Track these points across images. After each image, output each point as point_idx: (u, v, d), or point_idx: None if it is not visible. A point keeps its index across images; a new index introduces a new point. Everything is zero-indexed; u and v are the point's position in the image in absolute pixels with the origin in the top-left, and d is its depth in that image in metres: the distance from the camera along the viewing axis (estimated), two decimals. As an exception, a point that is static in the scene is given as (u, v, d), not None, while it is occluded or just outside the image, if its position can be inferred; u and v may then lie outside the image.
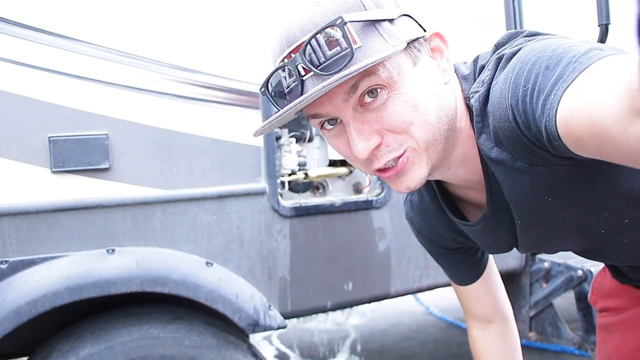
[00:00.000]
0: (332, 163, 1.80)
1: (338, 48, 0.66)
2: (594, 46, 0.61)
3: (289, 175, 1.71)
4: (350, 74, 0.64)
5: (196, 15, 1.56)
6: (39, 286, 1.36)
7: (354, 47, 0.66)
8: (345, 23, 0.65)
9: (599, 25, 1.86)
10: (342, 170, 1.80)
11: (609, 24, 1.83)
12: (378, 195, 1.81)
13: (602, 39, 1.85)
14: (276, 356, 3.30)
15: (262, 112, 1.62)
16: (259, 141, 1.63)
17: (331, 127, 0.76)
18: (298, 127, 1.74)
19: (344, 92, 0.70)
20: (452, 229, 0.99)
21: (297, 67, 0.69)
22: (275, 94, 0.74)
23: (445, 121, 0.75)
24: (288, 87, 0.71)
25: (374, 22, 0.69)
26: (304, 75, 0.69)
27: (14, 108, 1.38)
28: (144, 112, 1.50)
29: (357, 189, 1.85)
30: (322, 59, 0.67)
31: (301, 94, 0.69)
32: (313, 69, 0.67)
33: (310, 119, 0.76)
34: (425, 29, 0.75)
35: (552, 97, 0.59)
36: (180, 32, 1.54)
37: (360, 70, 0.64)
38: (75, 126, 1.43)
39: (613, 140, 0.51)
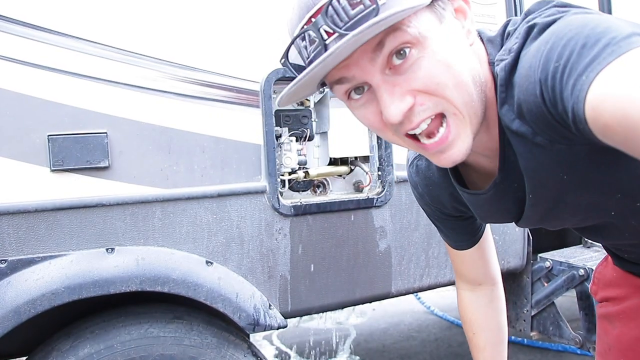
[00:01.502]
0: (333, 162, 1.79)
1: (362, 6, 0.64)
2: (636, 30, 0.58)
3: (289, 173, 1.70)
4: (378, 21, 0.61)
5: (195, 13, 1.55)
6: (38, 285, 1.35)
7: (380, 2, 0.63)
8: None
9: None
10: (343, 168, 1.79)
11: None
12: (379, 194, 1.80)
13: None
14: (276, 356, 3.29)
15: (262, 110, 1.61)
16: (259, 139, 1.62)
17: (358, 96, 0.73)
18: (298, 126, 1.73)
19: (370, 50, 0.67)
20: (455, 199, 0.98)
21: (319, 30, 0.66)
22: (295, 67, 0.71)
23: (478, 82, 0.73)
24: (308, 56, 0.69)
25: None
26: (327, 39, 0.66)
27: (13, 106, 1.37)
28: (144, 110, 1.49)
29: (358, 188, 1.84)
30: (346, 19, 0.65)
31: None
32: (337, 29, 0.65)
33: (335, 86, 0.73)
34: None
35: (584, 78, 0.56)
36: (179, 30, 1.54)
37: (389, 19, 0.61)
38: (74, 124, 1.42)
39: None
